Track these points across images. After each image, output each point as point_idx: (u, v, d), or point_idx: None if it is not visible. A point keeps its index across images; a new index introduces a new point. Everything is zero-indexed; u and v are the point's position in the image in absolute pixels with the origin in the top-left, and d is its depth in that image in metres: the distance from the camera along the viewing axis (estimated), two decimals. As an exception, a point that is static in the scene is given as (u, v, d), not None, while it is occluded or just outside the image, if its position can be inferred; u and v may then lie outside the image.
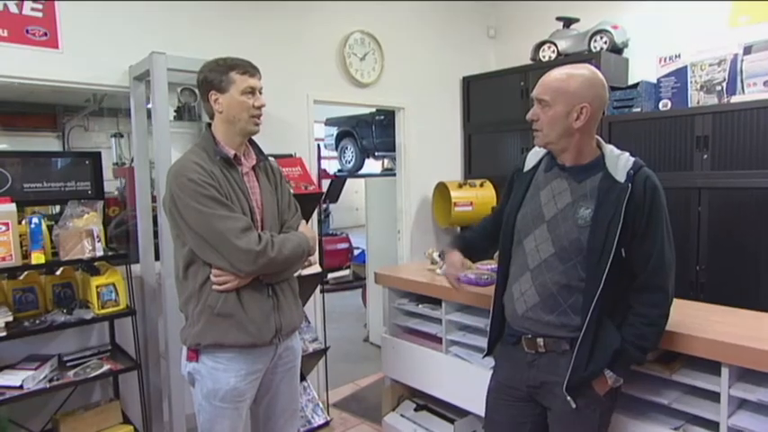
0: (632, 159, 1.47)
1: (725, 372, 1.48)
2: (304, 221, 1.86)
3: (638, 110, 3.27)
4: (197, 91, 1.73)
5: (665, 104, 3.23)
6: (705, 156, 2.96)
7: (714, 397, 1.52)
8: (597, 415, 1.50)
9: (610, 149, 1.51)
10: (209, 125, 1.70)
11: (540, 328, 1.52)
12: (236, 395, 1.66)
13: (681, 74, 3.18)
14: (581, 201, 1.46)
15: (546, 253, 1.50)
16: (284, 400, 1.85)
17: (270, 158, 1.91)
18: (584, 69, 1.47)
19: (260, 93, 1.68)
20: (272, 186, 1.77)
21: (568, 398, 1.46)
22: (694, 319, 1.66)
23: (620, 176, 1.44)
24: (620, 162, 1.46)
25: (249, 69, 1.65)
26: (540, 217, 1.53)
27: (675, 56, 3.27)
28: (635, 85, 3.32)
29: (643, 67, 3.51)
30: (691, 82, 3.13)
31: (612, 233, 1.40)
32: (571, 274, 1.46)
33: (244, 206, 1.63)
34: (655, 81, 3.30)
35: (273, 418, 1.85)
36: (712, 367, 1.52)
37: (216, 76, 1.62)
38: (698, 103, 3.09)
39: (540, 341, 1.52)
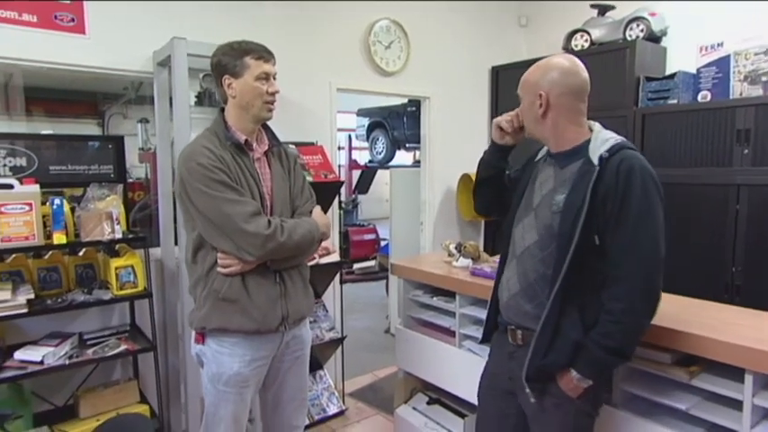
0: (613, 142, 1.39)
1: (749, 379, 1.38)
2: (318, 208, 1.83)
3: (675, 102, 3.11)
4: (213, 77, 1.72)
5: (704, 96, 3.06)
6: (746, 151, 2.79)
7: (736, 405, 1.42)
8: (570, 417, 1.44)
9: (601, 134, 1.44)
10: (222, 109, 1.69)
11: (521, 319, 1.50)
12: (240, 380, 1.67)
13: (723, 63, 3.00)
14: (559, 186, 1.44)
15: (529, 240, 1.49)
16: (291, 390, 1.85)
17: (288, 145, 1.91)
18: (552, 57, 1.48)
19: (274, 78, 1.65)
20: (285, 172, 1.76)
21: (527, 390, 1.43)
22: (718, 322, 1.56)
23: (596, 160, 1.38)
24: (603, 146, 1.39)
25: (264, 54, 1.62)
26: (529, 205, 1.53)
27: (717, 44, 3.10)
28: (672, 76, 3.15)
29: (682, 57, 3.34)
30: (734, 72, 2.95)
31: (578, 219, 1.34)
32: (548, 263, 1.42)
33: (254, 191, 1.62)
34: (694, 71, 3.13)
35: (281, 405, 1.85)
36: (735, 373, 1.42)
37: (230, 60, 1.60)
38: (740, 94, 2.91)
39: (519, 333, 1.50)
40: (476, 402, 2.20)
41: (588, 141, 1.44)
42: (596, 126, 1.48)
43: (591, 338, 1.35)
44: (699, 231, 2.97)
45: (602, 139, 1.42)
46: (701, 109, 2.97)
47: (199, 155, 1.56)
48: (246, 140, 1.66)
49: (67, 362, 2.14)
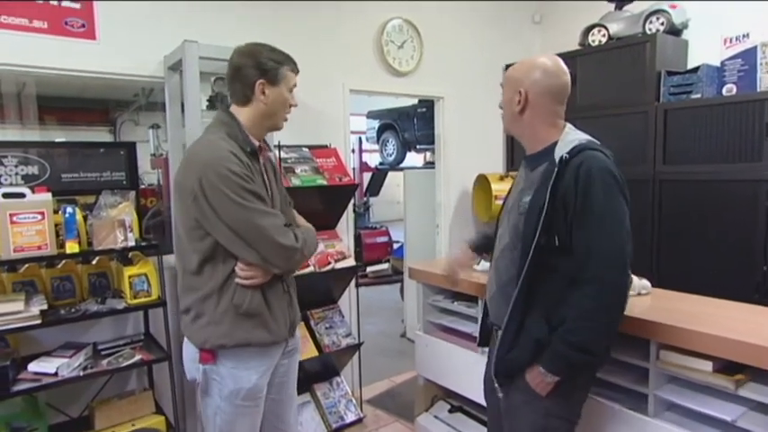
0: (576, 143, 1.38)
1: (801, 388, 1.29)
2: (297, 214, 1.84)
3: (699, 96, 3.01)
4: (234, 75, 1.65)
5: (729, 89, 2.96)
6: (776, 145, 2.69)
7: (787, 416, 1.33)
8: (541, 418, 1.43)
9: (569, 135, 1.44)
10: (228, 112, 1.62)
11: (499, 320, 1.51)
12: (257, 392, 1.63)
13: (749, 55, 2.90)
14: (528, 188, 1.46)
15: (503, 242, 1.53)
16: (291, 388, 1.86)
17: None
18: (538, 57, 1.49)
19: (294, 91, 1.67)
20: (275, 178, 1.73)
21: (496, 384, 1.50)
22: (758, 325, 1.47)
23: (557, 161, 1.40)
24: (566, 147, 1.39)
25: (295, 67, 1.63)
26: (506, 207, 1.59)
27: (743, 35, 2.99)
28: (695, 69, 3.05)
29: (705, 50, 3.23)
30: (761, 64, 2.85)
31: (538, 220, 1.36)
32: (517, 264, 1.44)
33: (267, 200, 1.58)
34: (718, 64, 3.03)
35: (283, 405, 1.83)
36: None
37: (273, 66, 1.56)
38: (768, 87, 2.81)
39: (499, 334, 1.51)
40: (501, 411, 2.16)
41: (556, 143, 1.44)
42: (568, 127, 1.48)
43: (557, 334, 1.37)
44: (726, 229, 2.86)
45: (568, 141, 1.42)
46: (728, 103, 2.87)
47: (229, 161, 1.46)
48: (259, 146, 1.64)
49: (82, 373, 2.09)
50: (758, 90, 2.82)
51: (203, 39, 2.33)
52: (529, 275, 1.38)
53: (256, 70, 1.54)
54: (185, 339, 1.66)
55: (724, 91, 2.97)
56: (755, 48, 2.87)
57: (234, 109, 1.61)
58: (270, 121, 1.62)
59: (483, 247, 1.91)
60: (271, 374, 1.69)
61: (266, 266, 1.51)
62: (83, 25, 2.40)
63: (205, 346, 1.55)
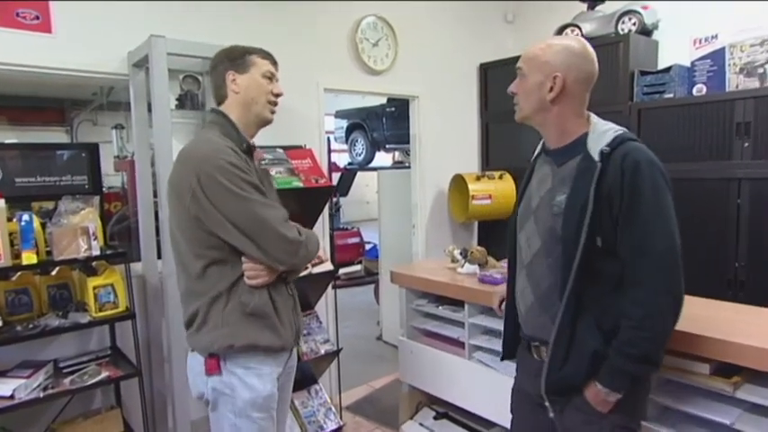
0: (615, 134, 1.28)
1: (799, 389, 1.29)
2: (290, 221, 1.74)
3: (671, 95, 3.05)
4: (200, 78, 1.61)
5: (699, 89, 3.01)
6: (746, 144, 2.75)
7: (784, 417, 1.33)
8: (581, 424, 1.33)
9: (600, 126, 1.33)
10: (218, 111, 1.55)
11: (540, 332, 1.38)
12: (272, 401, 1.52)
13: (718, 56, 2.96)
14: (558, 186, 1.33)
15: (535, 246, 1.38)
16: (287, 402, 1.78)
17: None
18: (568, 39, 1.36)
19: (277, 81, 1.60)
20: (269, 183, 1.67)
21: (546, 403, 1.35)
22: (760, 328, 1.47)
23: (597, 155, 1.26)
24: (602, 139, 1.28)
25: (269, 56, 1.59)
26: (529, 209, 1.42)
27: (712, 37, 3.04)
28: (667, 70, 3.10)
29: (675, 50, 3.28)
30: (729, 64, 2.91)
31: (583, 221, 1.24)
32: (556, 270, 1.32)
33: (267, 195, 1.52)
34: (688, 64, 3.08)
35: (280, 419, 1.72)
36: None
37: (234, 56, 1.53)
38: (737, 87, 2.87)
39: (543, 349, 1.38)
40: (489, 418, 2.12)
41: (586, 135, 1.32)
42: (593, 117, 1.37)
43: (613, 348, 1.24)
44: (699, 227, 2.91)
45: (601, 132, 1.31)
46: (699, 102, 2.92)
47: (226, 153, 1.40)
48: (252, 144, 1.57)
49: (42, 394, 1.94)
50: (727, 90, 2.89)
51: (171, 34, 2.19)
52: (576, 282, 1.25)
53: (223, 64, 1.53)
54: (189, 353, 1.56)
55: (694, 91, 3.03)
56: (724, 49, 2.93)
57: (223, 108, 1.56)
58: (251, 112, 1.54)
59: None
60: None
61: (269, 262, 1.42)
62: (36, 17, 2.22)
63: (212, 349, 1.45)
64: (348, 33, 3.28)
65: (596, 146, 1.28)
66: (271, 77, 1.57)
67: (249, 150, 1.54)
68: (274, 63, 1.60)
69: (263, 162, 2.67)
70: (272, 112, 1.59)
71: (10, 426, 2.13)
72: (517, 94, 1.38)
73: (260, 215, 1.39)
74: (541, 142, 1.49)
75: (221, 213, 1.38)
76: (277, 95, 1.58)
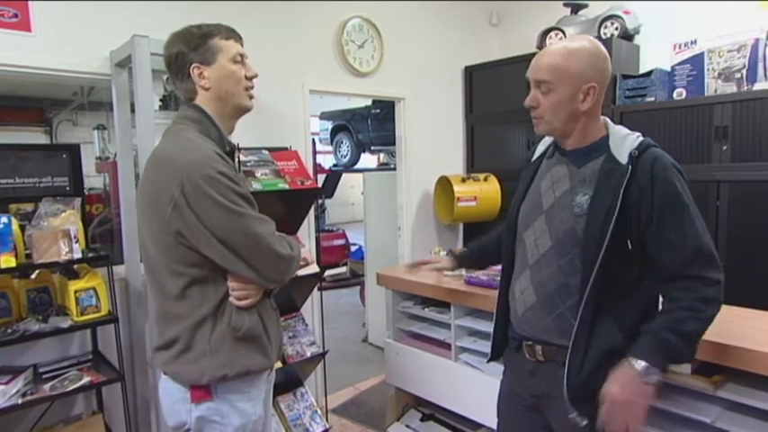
0: (640, 139, 1.29)
1: (778, 388, 1.32)
2: None
3: (652, 99, 3.11)
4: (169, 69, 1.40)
5: (679, 93, 3.07)
6: (724, 147, 2.81)
7: (763, 415, 1.36)
8: None
9: (617, 129, 1.34)
10: (194, 105, 1.37)
11: (540, 333, 1.36)
12: (260, 424, 1.43)
13: (697, 61, 3.02)
14: (579, 186, 1.31)
15: (544, 247, 1.35)
16: (269, 409, 1.65)
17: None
18: (584, 41, 1.31)
19: (247, 60, 1.41)
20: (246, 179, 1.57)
21: (573, 414, 1.26)
22: (742, 328, 1.50)
23: (623, 158, 1.26)
24: (625, 142, 1.28)
25: (232, 34, 1.38)
26: (538, 208, 1.39)
27: (691, 42, 3.10)
28: (648, 74, 3.15)
29: (656, 55, 3.34)
30: (708, 69, 2.97)
31: (608, 223, 1.23)
32: (569, 272, 1.30)
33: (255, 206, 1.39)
34: (668, 69, 3.14)
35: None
36: (763, 382, 1.36)
37: (195, 44, 1.33)
38: (715, 91, 2.93)
39: (539, 349, 1.37)
40: (475, 419, 2.13)
41: (606, 137, 1.33)
42: (608, 120, 1.37)
43: (658, 325, 1.21)
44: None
45: (622, 135, 1.32)
46: (680, 106, 2.98)
47: (216, 161, 1.24)
48: (236, 145, 1.45)
49: (20, 401, 1.90)
50: (706, 94, 2.95)
51: (154, 33, 2.15)
52: (597, 284, 1.24)
53: (183, 57, 1.33)
54: (162, 378, 1.40)
55: (675, 95, 3.09)
56: (703, 54, 2.99)
57: (197, 104, 1.37)
58: (229, 106, 1.37)
59: (470, 260, 1.81)
60: None
61: (260, 281, 1.30)
62: (15, 15, 2.18)
63: (201, 382, 1.30)
64: (334, 35, 3.28)
65: (621, 149, 1.28)
66: (241, 60, 1.38)
67: (232, 153, 1.41)
68: (239, 39, 1.40)
69: (248, 164, 2.66)
70: (251, 98, 1.42)
71: (-13, 433, 2.09)
72: (538, 107, 1.33)
73: (253, 231, 1.25)
74: (547, 142, 1.49)
75: (208, 229, 1.23)
76: (251, 78, 1.40)
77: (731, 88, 2.88)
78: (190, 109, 1.37)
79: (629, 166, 1.24)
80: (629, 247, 1.25)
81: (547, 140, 1.50)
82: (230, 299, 1.31)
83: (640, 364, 1.18)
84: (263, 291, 1.35)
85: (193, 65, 1.33)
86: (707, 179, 2.86)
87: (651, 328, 1.22)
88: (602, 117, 1.37)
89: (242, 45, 1.41)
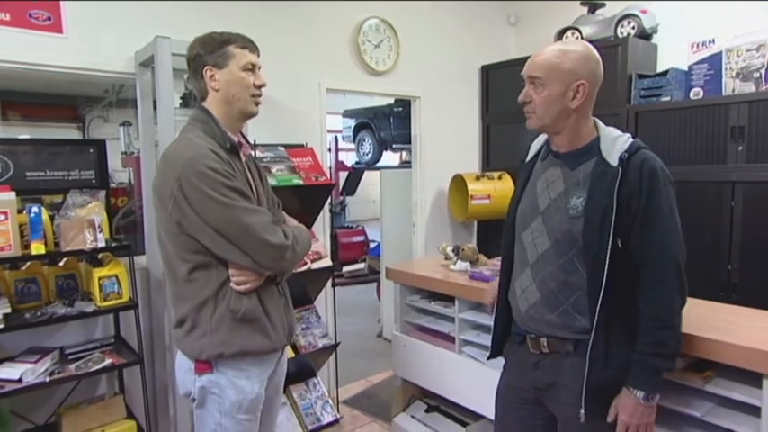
0: (630, 141, 1.35)
1: (767, 384, 1.33)
2: (286, 215, 1.74)
3: (668, 99, 3.09)
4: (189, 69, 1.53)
5: (696, 93, 3.05)
6: (740, 147, 2.78)
7: (753, 411, 1.38)
8: (607, 427, 1.36)
9: (608, 132, 1.39)
10: (203, 107, 1.50)
11: (544, 328, 1.42)
12: (258, 403, 1.54)
13: (715, 60, 2.99)
14: (573, 189, 1.36)
15: (542, 247, 1.41)
16: (279, 399, 1.80)
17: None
18: (579, 45, 1.38)
19: (260, 70, 1.52)
20: (260, 177, 1.64)
21: (582, 410, 1.33)
22: (731, 325, 1.52)
23: (614, 160, 1.31)
24: (616, 144, 1.34)
25: (248, 44, 1.49)
26: (535, 209, 1.44)
27: (709, 41, 3.08)
28: (664, 73, 3.13)
29: (673, 54, 3.32)
30: (726, 69, 2.94)
31: (608, 224, 1.28)
32: (569, 270, 1.36)
33: (252, 199, 1.49)
34: (686, 68, 3.11)
35: (271, 416, 1.76)
36: (752, 378, 1.38)
37: (211, 49, 1.45)
38: (733, 91, 2.90)
39: (544, 341, 1.42)
40: (477, 410, 2.17)
41: (597, 139, 1.38)
42: (599, 122, 1.43)
43: (644, 351, 1.29)
44: (693, 229, 2.93)
45: (612, 138, 1.36)
46: (695, 106, 2.95)
47: (208, 158, 1.36)
48: (239, 142, 1.53)
49: (48, 379, 2.03)
50: (723, 94, 2.92)
51: (176, 35, 2.27)
52: (608, 282, 1.29)
53: (198, 58, 1.46)
54: (178, 352, 1.55)
55: (691, 94, 3.06)
56: (721, 53, 2.96)
57: (206, 104, 1.51)
58: (235, 109, 1.48)
59: None
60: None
61: (256, 268, 1.41)
62: (48, 18, 2.32)
63: (201, 357, 1.45)
64: (350, 35, 3.35)
65: (612, 151, 1.33)
66: (252, 68, 1.48)
67: (235, 149, 1.50)
68: (254, 50, 1.50)
69: (264, 160, 2.76)
70: (257, 104, 1.52)
71: (18, 410, 2.23)
72: (530, 102, 1.38)
73: (242, 221, 1.36)
74: (540, 145, 1.53)
75: (203, 220, 1.35)
76: (260, 87, 1.50)
77: (749, 88, 2.84)
78: (198, 111, 1.51)
79: (620, 168, 1.30)
80: (619, 245, 1.30)
81: (539, 141, 1.55)
82: (230, 284, 1.42)
83: (640, 393, 1.29)
84: (263, 278, 1.46)
85: (207, 67, 1.45)
86: (722, 180, 2.84)
87: (639, 354, 1.30)
88: (592, 119, 1.41)
89: (257, 56, 1.52)
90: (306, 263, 2.87)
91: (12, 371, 1.96)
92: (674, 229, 1.31)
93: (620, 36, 3.33)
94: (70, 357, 2.19)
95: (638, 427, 1.31)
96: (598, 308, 1.30)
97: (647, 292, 1.30)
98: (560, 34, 3.60)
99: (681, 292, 1.31)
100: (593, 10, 3.57)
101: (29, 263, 2.17)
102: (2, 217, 1.91)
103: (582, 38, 3.49)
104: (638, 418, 1.30)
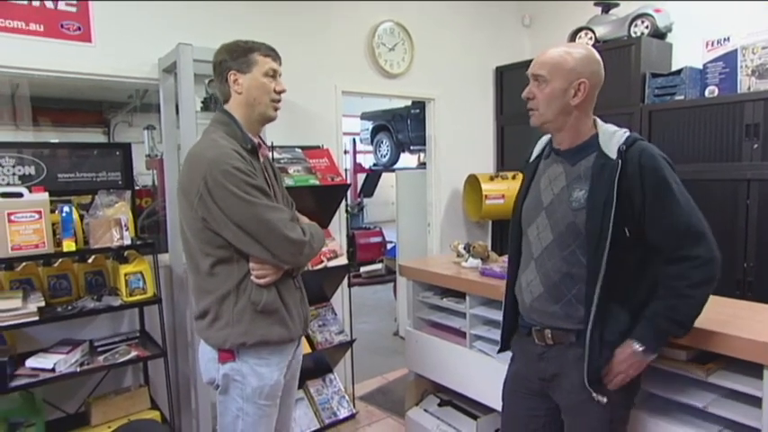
0: (627, 134, 1.41)
1: None
2: (299, 214, 1.81)
3: (682, 97, 3.09)
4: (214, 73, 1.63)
5: (711, 91, 3.04)
6: (755, 145, 2.77)
7: (755, 402, 1.40)
8: (608, 408, 1.41)
9: (606, 128, 1.45)
10: (224, 110, 1.60)
11: (547, 320, 1.48)
12: (278, 389, 1.63)
13: (730, 58, 2.98)
14: (575, 183, 1.42)
15: (546, 240, 1.46)
16: (295, 389, 1.86)
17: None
18: (581, 47, 1.45)
19: (280, 77, 1.63)
20: (275, 177, 1.73)
21: (594, 394, 1.39)
22: (735, 318, 1.54)
23: (613, 153, 1.37)
24: (614, 138, 1.40)
25: (271, 53, 1.59)
26: (539, 205, 1.50)
27: (724, 39, 3.07)
28: (678, 72, 3.13)
29: (688, 53, 3.31)
30: (741, 67, 2.93)
31: (608, 215, 1.34)
32: (571, 262, 1.41)
33: (272, 197, 1.58)
34: (700, 67, 3.11)
35: (287, 404, 1.83)
36: (753, 369, 1.40)
37: (237, 55, 1.55)
38: (749, 88, 2.89)
39: (548, 332, 1.47)
40: (488, 404, 2.22)
41: (596, 136, 1.44)
42: (598, 121, 1.49)
43: (656, 311, 1.35)
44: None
45: (610, 132, 1.43)
46: (709, 104, 2.95)
47: (231, 158, 1.45)
48: (258, 143, 1.62)
49: (78, 369, 2.14)
50: (738, 92, 2.91)
51: (197, 41, 2.38)
52: (607, 271, 1.34)
53: (224, 63, 1.55)
54: (201, 342, 1.64)
55: (706, 93, 3.06)
56: (736, 51, 2.95)
57: (228, 107, 1.60)
58: (255, 111, 1.57)
59: None
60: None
61: (275, 262, 1.50)
62: (78, 28, 2.45)
63: (225, 346, 1.53)
64: (365, 38, 3.43)
65: (610, 145, 1.39)
66: (273, 75, 1.58)
67: (254, 150, 1.58)
68: (277, 58, 1.60)
69: (281, 161, 2.85)
70: (276, 110, 1.61)
71: (50, 398, 2.36)
72: (534, 98, 1.44)
73: (264, 218, 1.44)
74: (543, 145, 1.60)
75: (227, 216, 1.43)
76: (280, 93, 1.59)
77: (765, 85, 2.83)
78: (221, 114, 1.60)
79: (619, 160, 1.35)
80: (627, 234, 1.35)
81: (543, 141, 1.61)
82: (251, 277, 1.51)
83: (639, 346, 1.36)
84: (281, 271, 1.55)
85: (231, 71, 1.55)
86: (737, 178, 2.83)
87: (650, 313, 1.36)
88: (592, 117, 1.47)
89: (279, 64, 1.61)
90: (322, 261, 2.95)
91: (46, 361, 2.07)
92: (688, 201, 1.36)
93: (633, 36, 3.34)
94: (99, 350, 2.31)
95: (625, 375, 1.38)
96: (596, 297, 1.35)
97: (669, 268, 1.35)
98: (574, 35, 3.62)
99: (714, 267, 1.35)
100: (606, 10, 3.58)
101: (60, 260, 2.30)
102: (36, 216, 2.03)
103: (595, 38, 3.51)
104: (626, 366, 1.37)
